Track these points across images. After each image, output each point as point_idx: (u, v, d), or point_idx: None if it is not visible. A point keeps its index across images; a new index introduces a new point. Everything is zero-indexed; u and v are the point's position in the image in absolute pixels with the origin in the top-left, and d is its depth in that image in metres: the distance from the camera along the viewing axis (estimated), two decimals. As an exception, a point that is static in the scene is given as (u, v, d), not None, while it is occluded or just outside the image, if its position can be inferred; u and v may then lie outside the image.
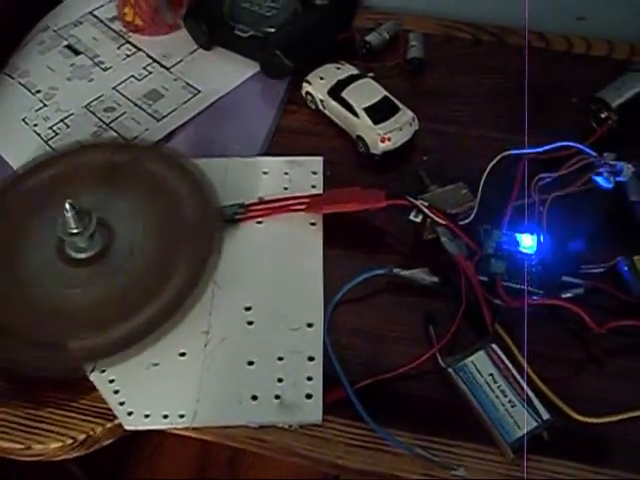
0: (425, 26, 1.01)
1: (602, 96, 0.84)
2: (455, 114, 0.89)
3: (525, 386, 0.64)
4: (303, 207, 0.76)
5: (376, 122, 0.81)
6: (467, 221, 0.74)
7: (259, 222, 0.76)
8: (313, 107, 0.88)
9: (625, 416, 0.64)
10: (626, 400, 0.65)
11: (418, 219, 0.73)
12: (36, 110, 0.90)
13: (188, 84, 0.92)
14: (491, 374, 0.64)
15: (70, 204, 0.67)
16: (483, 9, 1.03)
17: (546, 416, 0.62)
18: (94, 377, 0.66)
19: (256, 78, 0.93)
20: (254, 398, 0.64)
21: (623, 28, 1.00)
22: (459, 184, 0.76)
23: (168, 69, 0.94)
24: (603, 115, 0.84)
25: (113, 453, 1.20)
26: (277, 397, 0.64)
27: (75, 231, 0.68)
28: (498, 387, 0.64)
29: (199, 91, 0.91)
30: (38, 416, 0.66)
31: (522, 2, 0.98)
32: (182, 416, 0.63)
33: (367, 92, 0.84)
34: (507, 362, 0.65)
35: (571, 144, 0.78)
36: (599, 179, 0.75)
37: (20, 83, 0.93)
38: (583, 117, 0.87)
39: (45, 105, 0.90)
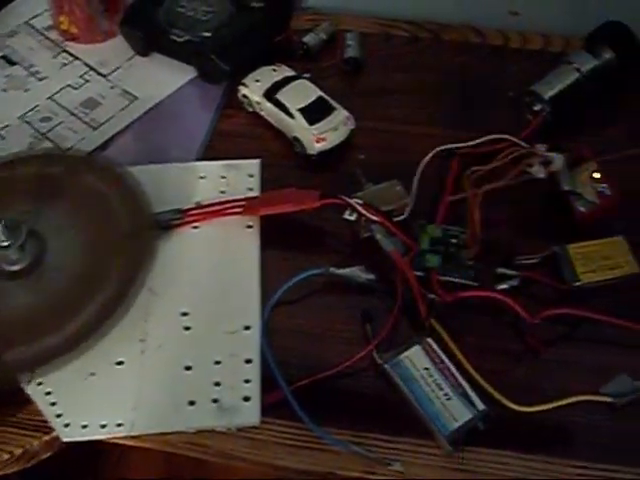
0: (363, 25, 1.01)
1: (535, 89, 0.86)
2: (392, 112, 0.90)
3: (460, 378, 0.64)
4: (240, 210, 0.76)
5: (311, 122, 0.82)
6: (402, 218, 0.75)
7: (196, 227, 0.76)
8: (250, 110, 0.88)
9: (559, 403, 0.65)
10: (560, 387, 0.66)
11: (352, 217, 0.73)
12: (-30, 123, 0.89)
13: (125, 91, 0.92)
14: (427, 368, 0.65)
15: (-1, 217, 0.67)
16: (421, 6, 1.04)
17: (481, 407, 0.63)
18: (31, 390, 0.66)
19: (193, 83, 0.93)
20: (192, 403, 0.64)
21: (558, 22, 1.01)
22: (393, 181, 0.77)
23: (105, 77, 0.94)
24: (536, 107, 0.85)
25: (79, 460, 1.19)
26: (215, 401, 0.64)
27: (5, 244, 0.67)
28: (434, 381, 0.64)
29: (136, 98, 0.91)
30: (-27, 432, 0.65)
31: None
32: (120, 425, 0.63)
33: (302, 93, 0.85)
34: (442, 356, 0.66)
35: (503, 136, 0.78)
36: (532, 170, 0.76)
37: (-45, 97, 0.92)
38: (519, 110, 0.88)
39: (-22, 118, 0.90)
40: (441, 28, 1.02)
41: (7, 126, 0.89)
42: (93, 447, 0.64)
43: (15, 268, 0.70)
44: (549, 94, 0.84)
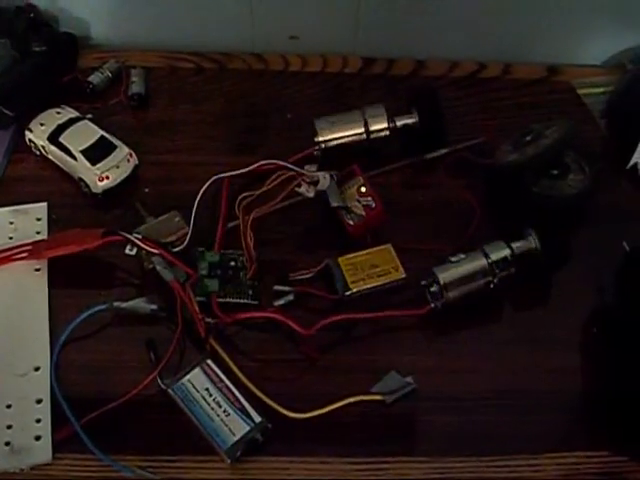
0: (150, 60, 1.05)
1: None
2: (176, 143, 0.94)
3: (238, 394, 0.69)
4: (27, 255, 0.79)
5: (93, 163, 0.85)
6: (182, 247, 0.79)
7: (-17, 273, 0.78)
8: (38, 153, 0.91)
9: (334, 406, 0.70)
10: (336, 391, 0.71)
11: (133, 252, 0.77)
12: None
13: None
14: (207, 388, 0.70)
15: None
16: (205, 37, 1.08)
17: (258, 419, 0.68)
18: None
19: (-21, 130, 0.94)
20: (-17, 448, 0.67)
21: (336, 43, 1.08)
22: (172, 212, 0.81)
23: None
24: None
25: None
26: (7, 444, 0.67)
27: None
28: (213, 400, 0.69)
29: None
30: None
31: (242, 27, 1.05)
32: None
33: (84, 134, 0.88)
34: (221, 375, 0.71)
35: (272, 161, 0.83)
36: (301, 190, 0.81)
37: None
38: (297, 132, 0.94)
39: None
40: (225, 58, 1.07)
41: None
42: None
43: None
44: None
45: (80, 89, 1.00)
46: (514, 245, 0.78)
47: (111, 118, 0.95)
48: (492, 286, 0.77)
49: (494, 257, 0.77)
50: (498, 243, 0.78)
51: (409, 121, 0.92)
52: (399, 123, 0.92)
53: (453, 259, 0.77)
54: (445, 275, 0.76)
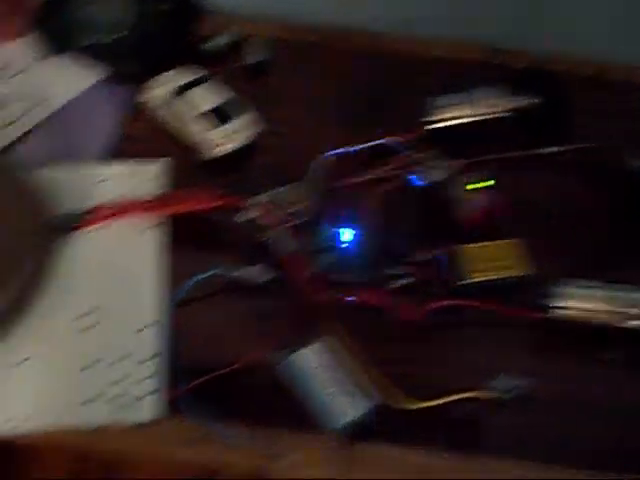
0: (269, 30, 1.04)
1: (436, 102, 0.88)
2: (293, 116, 0.92)
3: (351, 376, 0.67)
4: (142, 211, 0.78)
5: (214, 126, 0.84)
6: (299, 220, 0.77)
7: (97, 228, 0.78)
8: (154, 113, 0.90)
9: (447, 400, 0.68)
10: (448, 384, 0.69)
11: (248, 219, 0.75)
12: None
13: (31, 93, 0.92)
14: (318, 366, 0.68)
15: None
16: (327, 12, 1.06)
17: (369, 404, 0.66)
18: None
19: (100, 85, 0.94)
20: (91, 401, 0.66)
21: (458, 29, 1.04)
22: (294, 184, 0.80)
23: (10, 78, 0.94)
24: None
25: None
26: (114, 398, 0.66)
27: None
28: (325, 379, 0.67)
29: (45, 99, 0.92)
30: None
31: (369, 5, 1.03)
32: (15, 421, 0.64)
33: (205, 97, 0.87)
34: (334, 354, 0.69)
35: (392, 143, 0.81)
36: (415, 177, 0.79)
37: None
38: (412, 114, 0.91)
39: None
40: (348, 35, 1.04)
41: None
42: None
43: None
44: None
45: (198, 53, 0.98)
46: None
47: (229, 84, 0.94)
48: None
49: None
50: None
51: (530, 107, 0.88)
52: (518, 108, 0.88)
53: (588, 284, 0.74)
54: (572, 296, 0.74)
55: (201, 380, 0.67)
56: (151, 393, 0.67)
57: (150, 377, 0.68)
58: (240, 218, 0.76)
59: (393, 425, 0.67)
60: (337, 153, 0.83)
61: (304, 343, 0.70)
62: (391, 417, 0.67)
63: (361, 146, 0.83)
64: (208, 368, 0.69)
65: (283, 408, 0.68)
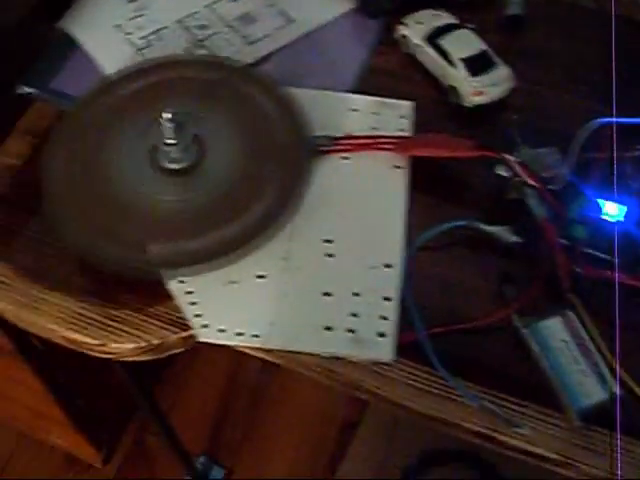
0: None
1: None
2: (549, 77, 0.88)
3: (597, 357, 0.64)
4: (391, 147, 0.76)
5: (472, 74, 0.81)
6: (554, 186, 0.73)
7: (345, 157, 0.76)
8: (406, 51, 0.87)
9: None
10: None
11: (506, 174, 0.72)
12: (130, 19, 0.89)
13: (282, 11, 0.91)
14: (565, 340, 0.65)
15: (170, 114, 0.67)
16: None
17: (617, 390, 0.62)
18: (172, 286, 0.67)
19: (351, 15, 0.92)
20: (328, 329, 0.65)
21: None
22: (552, 148, 0.76)
23: (262, -6, 0.93)
24: None
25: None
26: (351, 331, 0.65)
27: (171, 141, 0.68)
28: (571, 354, 0.64)
29: (293, 20, 0.91)
30: (116, 316, 0.67)
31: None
32: (256, 336, 0.64)
33: (466, 43, 0.83)
34: (582, 331, 0.65)
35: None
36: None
37: (116, -10, 0.92)
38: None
39: (139, 15, 0.90)
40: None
41: (165, 27, 0.89)
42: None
43: (174, 167, 0.70)
44: None
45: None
46: None
47: (482, 34, 0.89)
48: None
49: None
50: None
51: None
52: None
53: None
54: None
55: (439, 330, 0.65)
56: (386, 333, 0.65)
57: (387, 317, 0.66)
58: (497, 172, 0.72)
59: (632, 417, 0.63)
60: (606, 122, 0.78)
61: (551, 314, 0.66)
62: (631, 408, 0.63)
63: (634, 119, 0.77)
64: (443, 319, 0.66)
65: (520, 375, 0.65)
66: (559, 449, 0.62)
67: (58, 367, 1.14)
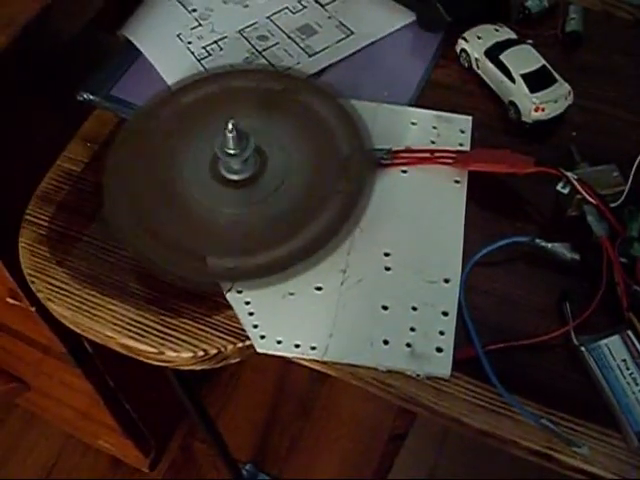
0: (587, 1, 0.98)
1: None
2: (608, 94, 0.87)
3: (657, 378, 0.63)
4: (450, 162, 0.76)
5: (532, 90, 0.80)
6: (614, 204, 0.73)
7: (404, 171, 0.76)
8: (466, 65, 0.87)
9: None
10: None
11: (566, 191, 0.72)
12: (191, 28, 0.91)
13: (342, 24, 0.92)
14: (624, 360, 0.64)
15: (233, 124, 0.67)
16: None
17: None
18: (231, 297, 0.67)
19: (410, 28, 0.92)
20: (385, 342, 0.65)
21: None
22: (611, 166, 0.75)
23: (323, 6, 0.94)
24: None
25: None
26: (408, 345, 0.65)
27: (233, 152, 0.69)
28: (630, 374, 0.63)
29: (352, 32, 0.91)
30: (173, 325, 0.67)
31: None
32: (314, 348, 0.65)
33: (526, 58, 0.83)
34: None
35: None
36: None
37: (177, 0, 0.93)
38: None
39: (200, 25, 0.91)
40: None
41: (225, 37, 0.90)
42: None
43: (234, 177, 0.71)
44: None
45: (510, 12, 0.95)
46: None
47: (541, 49, 0.89)
48: None
49: None
50: None
51: None
52: None
53: None
54: None
55: (497, 346, 0.65)
56: (444, 348, 0.65)
57: (444, 332, 0.66)
58: (557, 189, 0.72)
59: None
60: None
61: (610, 333, 0.66)
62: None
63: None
64: (501, 335, 0.66)
65: (577, 394, 0.64)
66: (617, 470, 0.61)
67: (108, 371, 1.15)
